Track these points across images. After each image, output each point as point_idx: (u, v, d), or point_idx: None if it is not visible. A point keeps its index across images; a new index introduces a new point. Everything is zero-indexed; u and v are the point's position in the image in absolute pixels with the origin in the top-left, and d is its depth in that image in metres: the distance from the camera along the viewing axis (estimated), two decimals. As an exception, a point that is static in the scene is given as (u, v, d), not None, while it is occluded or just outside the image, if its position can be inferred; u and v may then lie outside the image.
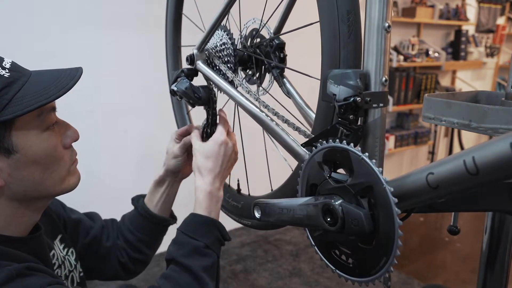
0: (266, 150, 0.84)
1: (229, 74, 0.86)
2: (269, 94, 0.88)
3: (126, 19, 2.31)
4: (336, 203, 0.53)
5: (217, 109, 0.92)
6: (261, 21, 0.86)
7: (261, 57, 0.86)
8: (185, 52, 1.01)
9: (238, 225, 1.01)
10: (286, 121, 0.73)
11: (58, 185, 0.71)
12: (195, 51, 0.93)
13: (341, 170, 0.59)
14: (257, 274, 2.50)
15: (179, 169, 0.95)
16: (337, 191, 0.56)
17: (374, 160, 0.52)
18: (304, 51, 1.87)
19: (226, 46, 0.90)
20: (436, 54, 4.04)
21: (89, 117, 2.28)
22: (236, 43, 0.90)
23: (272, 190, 0.85)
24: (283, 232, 2.99)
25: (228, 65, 0.90)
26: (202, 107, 0.93)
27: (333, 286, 2.35)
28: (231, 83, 0.88)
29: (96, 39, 2.23)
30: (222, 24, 0.91)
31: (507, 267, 0.76)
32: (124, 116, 2.41)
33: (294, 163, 0.76)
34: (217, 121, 0.91)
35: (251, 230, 2.98)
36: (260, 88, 0.90)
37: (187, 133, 0.95)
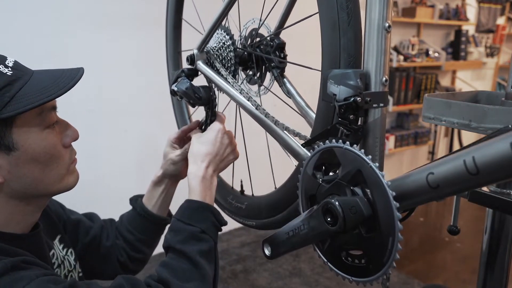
0: (268, 148, 0.84)
1: (230, 79, 0.86)
2: (271, 91, 0.88)
3: (126, 19, 2.31)
4: (333, 200, 0.54)
5: (218, 109, 0.92)
6: (260, 20, 0.86)
7: (261, 53, 0.86)
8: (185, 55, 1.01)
9: (238, 225, 1.02)
10: (286, 128, 0.73)
11: (57, 184, 0.71)
12: (195, 51, 0.93)
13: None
14: (257, 274, 2.50)
15: (177, 173, 0.95)
16: (333, 190, 0.57)
17: (355, 146, 0.54)
18: (304, 51, 1.87)
19: (226, 45, 0.90)
20: (436, 54, 4.04)
21: (89, 117, 2.28)
22: (236, 43, 0.90)
23: (276, 188, 0.85)
24: (283, 232, 2.98)
25: (228, 64, 0.90)
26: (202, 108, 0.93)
27: (333, 286, 2.35)
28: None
29: (96, 39, 2.23)
30: (222, 24, 0.91)
31: (507, 267, 0.76)
32: (124, 116, 2.42)
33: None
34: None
35: (251, 230, 2.97)
36: (262, 87, 0.90)
37: (182, 135, 0.95)
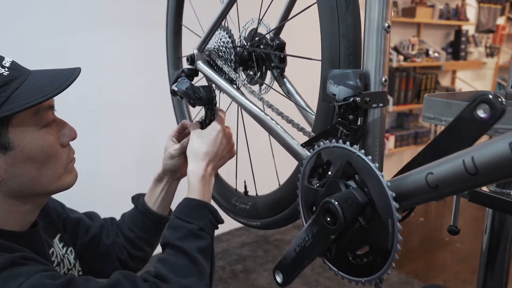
0: (271, 145, 0.84)
1: (232, 75, 0.86)
2: (273, 89, 0.88)
3: (126, 19, 2.31)
4: (328, 199, 0.54)
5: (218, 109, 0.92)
6: (258, 18, 0.86)
7: (260, 49, 0.86)
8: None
9: (238, 225, 1.01)
10: (290, 121, 0.73)
11: (55, 183, 0.71)
12: (195, 51, 0.93)
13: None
14: (257, 274, 2.50)
15: (176, 168, 0.96)
16: (329, 191, 0.57)
17: (341, 141, 0.55)
18: (304, 51, 1.87)
19: (226, 45, 0.90)
20: (436, 54, 4.04)
21: (89, 117, 2.28)
22: (236, 43, 0.90)
23: (280, 185, 0.85)
24: (283, 232, 2.99)
25: (228, 63, 0.90)
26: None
27: (333, 286, 2.35)
28: (232, 83, 0.88)
29: (96, 39, 2.24)
30: (222, 24, 0.91)
31: (507, 267, 0.76)
32: (124, 116, 2.42)
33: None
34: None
35: (251, 230, 2.98)
36: (263, 86, 0.90)
37: (182, 129, 0.96)
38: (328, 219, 0.55)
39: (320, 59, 0.65)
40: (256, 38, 0.89)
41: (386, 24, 0.56)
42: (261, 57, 0.88)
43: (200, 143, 0.83)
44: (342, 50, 0.62)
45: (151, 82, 2.37)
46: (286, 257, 0.63)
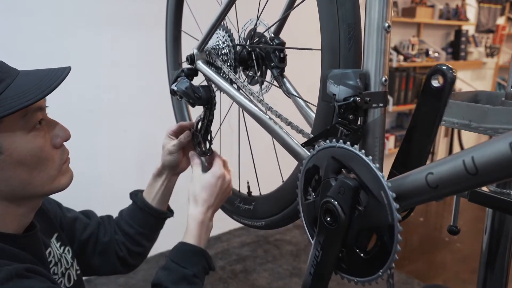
0: (274, 142, 0.83)
1: (232, 76, 0.86)
2: (275, 85, 0.88)
3: (126, 19, 2.31)
4: (323, 199, 0.55)
5: (218, 110, 0.92)
6: (257, 16, 0.86)
7: (259, 46, 0.86)
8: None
9: (238, 225, 1.01)
10: (289, 124, 0.73)
11: (48, 185, 0.70)
12: (195, 51, 0.93)
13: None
14: (257, 274, 2.50)
15: (175, 163, 0.97)
16: (324, 194, 0.57)
17: (322, 142, 0.57)
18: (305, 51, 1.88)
19: (226, 44, 0.90)
20: (436, 54, 4.04)
21: (89, 117, 2.28)
22: (236, 43, 0.90)
23: (283, 181, 0.85)
24: (283, 232, 2.99)
25: (228, 63, 0.90)
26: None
27: (333, 286, 2.35)
28: (231, 83, 0.88)
29: (96, 39, 2.24)
30: (222, 24, 0.91)
31: (507, 267, 0.76)
32: (124, 116, 2.42)
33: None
34: (211, 128, 0.94)
35: (251, 230, 2.98)
36: (263, 86, 0.90)
37: (180, 130, 0.97)
38: (328, 219, 0.55)
39: (320, 48, 0.65)
40: (256, 39, 0.89)
41: (386, 24, 0.56)
42: (261, 56, 0.88)
43: (201, 189, 0.85)
44: (342, 35, 0.61)
45: (151, 82, 2.37)
46: (306, 285, 0.62)
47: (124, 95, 2.39)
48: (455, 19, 4.21)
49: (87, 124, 2.27)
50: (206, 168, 0.91)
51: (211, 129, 0.96)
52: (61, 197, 0.79)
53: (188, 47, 1.01)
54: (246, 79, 0.93)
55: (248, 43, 0.90)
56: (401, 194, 0.49)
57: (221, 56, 0.91)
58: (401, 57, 3.72)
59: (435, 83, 0.51)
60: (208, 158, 0.95)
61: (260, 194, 0.94)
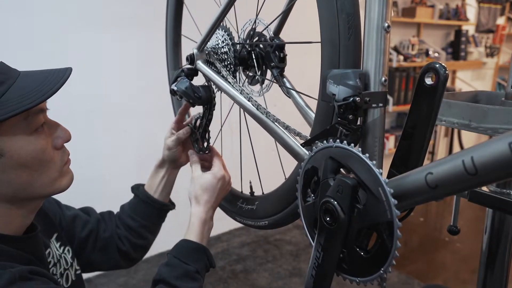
0: (276, 143, 0.84)
1: (230, 79, 0.86)
2: (275, 82, 0.88)
3: (126, 19, 2.31)
4: (322, 200, 0.55)
5: (218, 109, 0.92)
6: (256, 17, 0.86)
7: (258, 42, 0.86)
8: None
9: (238, 225, 1.01)
10: (287, 127, 0.73)
11: (49, 187, 0.70)
12: (195, 51, 0.93)
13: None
14: (257, 274, 2.50)
15: (174, 158, 0.99)
16: (323, 195, 0.57)
17: (319, 143, 0.58)
18: (305, 51, 1.87)
19: (226, 44, 0.90)
20: (436, 54, 4.04)
21: (89, 117, 2.28)
22: (236, 42, 0.90)
23: (285, 178, 0.85)
24: (283, 232, 2.99)
25: (228, 62, 0.90)
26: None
27: (333, 286, 2.35)
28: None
29: (96, 39, 2.23)
30: (221, 24, 0.91)
31: (507, 267, 0.76)
32: (124, 116, 2.42)
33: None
34: (209, 128, 0.95)
35: (251, 230, 2.98)
36: (264, 85, 0.90)
37: (180, 119, 0.99)
38: (328, 219, 0.55)
39: (320, 41, 0.65)
40: (255, 38, 0.89)
41: (386, 24, 0.56)
42: (261, 56, 0.88)
43: (203, 191, 0.86)
44: (341, 25, 0.61)
45: (151, 82, 2.37)
46: (308, 285, 0.62)
47: (124, 95, 2.39)
48: (455, 19, 4.21)
49: (87, 124, 2.27)
50: (205, 166, 0.92)
51: (210, 128, 0.96)
52: (61, 196, 0.79)
53: (188, 47, 1.01)
54: (246, 79, 0.93)
55: (248, 42, 0.90)
56: (401, 194, 0.49)
57: (220, 56, 0.91)
58: (401, 57, 3.72)
59: (428, 81, 0.51)
60: (207, 156, 0.95)
61: (263, 193, 0.94)
